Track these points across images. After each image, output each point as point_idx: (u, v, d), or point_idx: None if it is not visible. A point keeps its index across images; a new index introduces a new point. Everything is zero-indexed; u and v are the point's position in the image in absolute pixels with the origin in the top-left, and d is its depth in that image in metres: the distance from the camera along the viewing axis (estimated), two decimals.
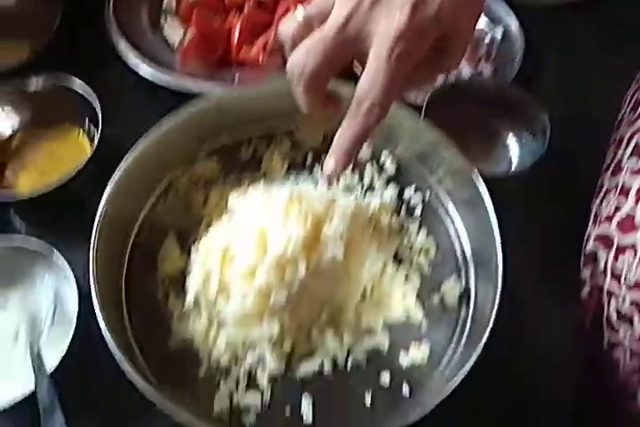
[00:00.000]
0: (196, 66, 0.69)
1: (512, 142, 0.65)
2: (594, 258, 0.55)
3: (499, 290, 0.48)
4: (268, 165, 0.61)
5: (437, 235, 0.58)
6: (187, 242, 0.56)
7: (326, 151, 0.43)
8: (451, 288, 0.54)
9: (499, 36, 0.73)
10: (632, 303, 0.49)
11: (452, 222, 0.58)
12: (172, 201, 0.58)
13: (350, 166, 0.59)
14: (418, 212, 0.59)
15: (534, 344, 0.56)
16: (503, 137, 0.65)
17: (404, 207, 0.59)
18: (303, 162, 0.62)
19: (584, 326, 0.56)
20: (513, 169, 0.62)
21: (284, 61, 0.70)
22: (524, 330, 0.56)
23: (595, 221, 0.57)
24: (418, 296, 0.54)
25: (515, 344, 0.55)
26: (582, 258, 0.57)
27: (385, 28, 0.37)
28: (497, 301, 0.47)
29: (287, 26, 0.43)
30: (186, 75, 0.66)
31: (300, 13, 0.42)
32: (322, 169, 0.44)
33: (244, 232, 0.48)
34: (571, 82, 0.71)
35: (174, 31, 0.73)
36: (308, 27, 0.42)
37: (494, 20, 0.74)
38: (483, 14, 0.75)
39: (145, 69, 0.67)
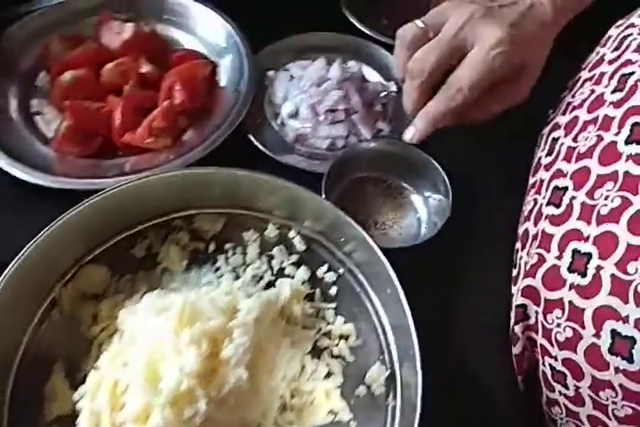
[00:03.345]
0: (75, 159, 0.62)
1: (420, 205, 0.63)
2: (524, 313, 0.53)
3: (419, 375, 0.46)
4: (166, 260, 0.56)
5: (356, 316, 0.55)
6: (77, 373, 0.49)
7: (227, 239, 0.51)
8: (376, 375, 0.51)
9: (393, 89, 0.72)
10: (564, 363, 0.47)
11: (370, 300, 0.55)
12: (58, 321, 0.52)
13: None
14: (333, 291, 0.56)
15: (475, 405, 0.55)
16: (411, 199, 0.64)
17: (317, 290, 0.56)
18: (205, 251, 0.57)
19: (517, 382, 0.55)
20: (424, 232, 0.61)
21: (173, 142, 0.67)
22: (465, 390, 0.54)
23: (517, 276, 0.55)
24: (342, 392, 0.51)
25: (458, 405, 0.53)
26: (513, 315, 0.55)
27: (488, 35, 0.50)
28: (420, 387, 0.45)
29: (407, 29, 0.55)
30: (64, 171, 0.60)
31: (419, 22, 0.55)
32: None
33: (134, 364, 0.43)
34: (470, 141, 0.67)
35: (50, 122, 0.66)
36: (425, 32, 0.54)
37: (388, 77, 0.72)
38: (376, 71, 0.74)
39: (17, 171, 0.59)
